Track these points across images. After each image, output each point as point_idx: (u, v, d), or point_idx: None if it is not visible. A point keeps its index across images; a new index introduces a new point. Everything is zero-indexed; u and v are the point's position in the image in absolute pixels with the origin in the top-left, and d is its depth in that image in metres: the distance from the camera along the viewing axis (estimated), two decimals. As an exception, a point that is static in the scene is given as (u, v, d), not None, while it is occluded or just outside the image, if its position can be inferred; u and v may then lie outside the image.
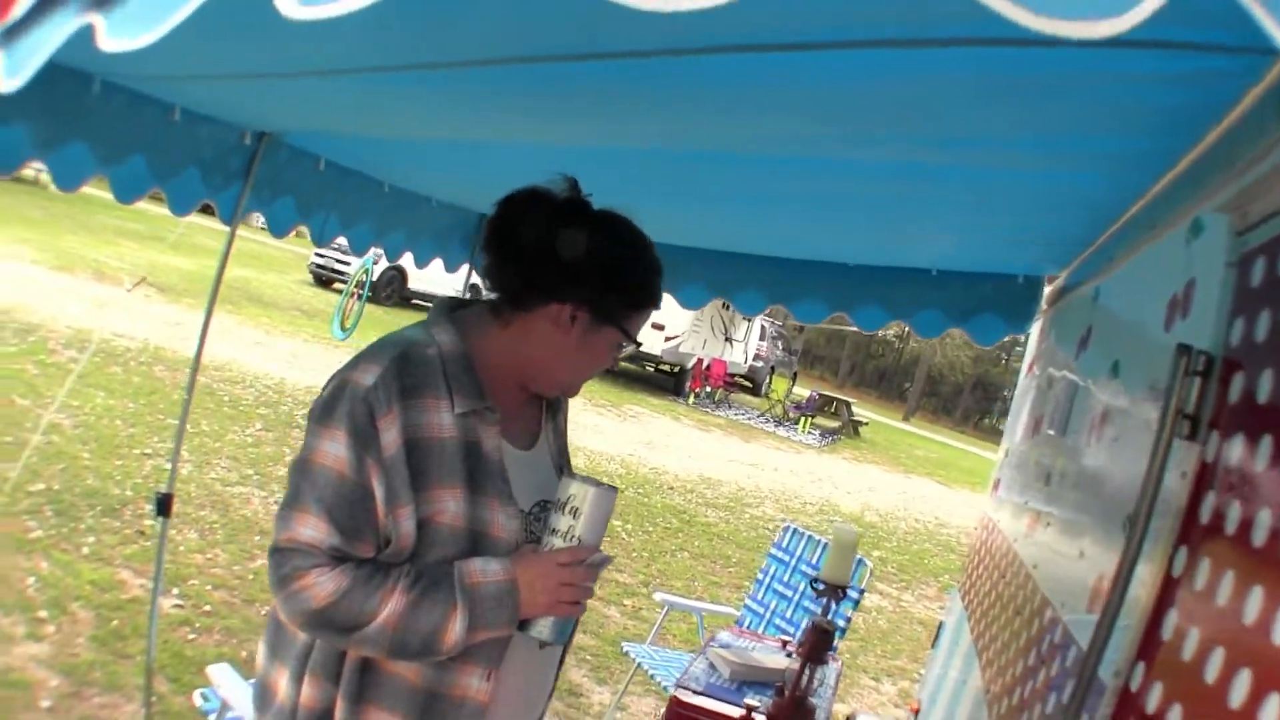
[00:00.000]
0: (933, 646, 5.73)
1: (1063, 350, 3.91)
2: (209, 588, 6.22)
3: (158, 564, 4.55)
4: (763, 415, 26.83)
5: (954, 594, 5.35)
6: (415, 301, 25.35)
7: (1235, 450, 1.60)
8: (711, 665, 3.83)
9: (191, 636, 5.45)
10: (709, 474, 15.70)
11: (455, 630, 1.92)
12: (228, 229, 3.82)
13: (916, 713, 4.05)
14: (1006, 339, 5.02)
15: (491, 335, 2.10)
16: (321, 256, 24.58)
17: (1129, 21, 0.75)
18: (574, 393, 2.27)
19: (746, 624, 6.01)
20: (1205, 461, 1.75)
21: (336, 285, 24.38)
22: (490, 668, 2.03)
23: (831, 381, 50.39)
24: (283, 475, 9.07)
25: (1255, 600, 1.36)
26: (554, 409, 2.31)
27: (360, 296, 16.85)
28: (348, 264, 23.69)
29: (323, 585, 1.88)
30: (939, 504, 19.07)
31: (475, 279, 5.85)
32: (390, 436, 1.91)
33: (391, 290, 24.51)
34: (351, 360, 2.01)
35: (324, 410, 1.94)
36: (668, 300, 5.36)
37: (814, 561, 6.33)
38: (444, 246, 5.32)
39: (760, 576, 6.61)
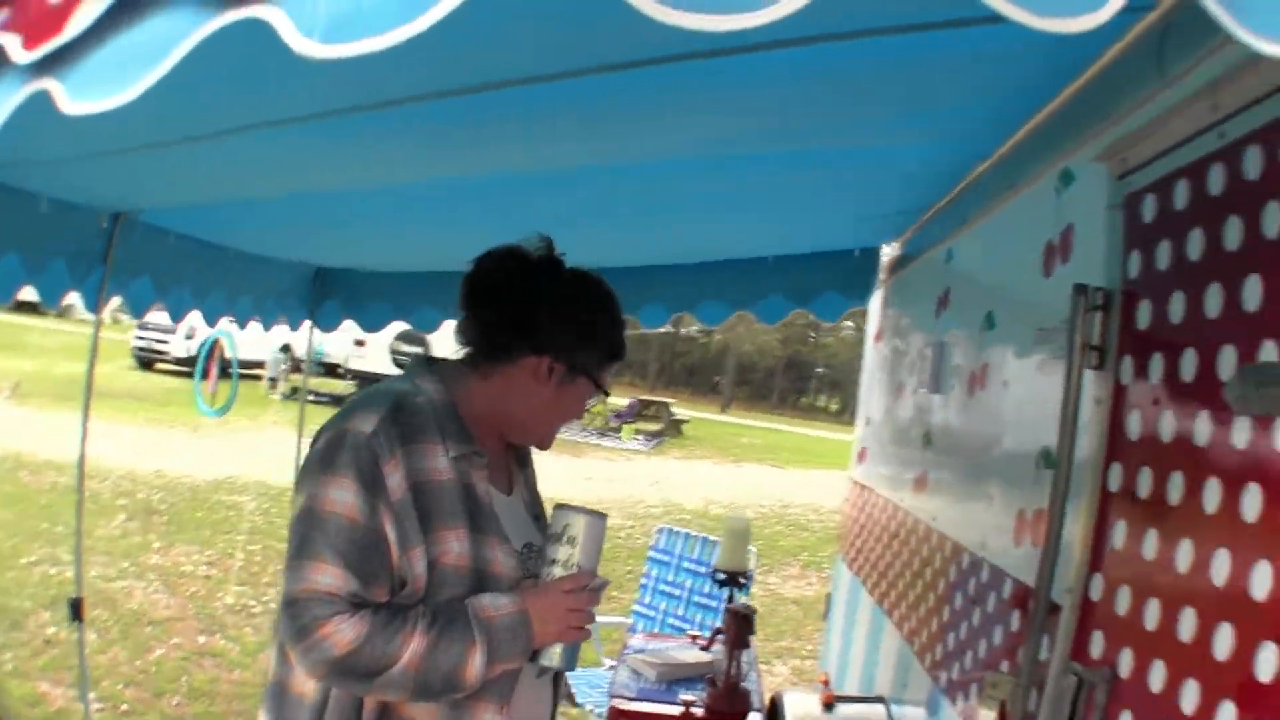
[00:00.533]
0: (825, 619, 5.98)
1: (916, 315, 4.19)
2: (120, 686, 6.03)
3: (82, 672, 4.47)
4: (585, 429, 27.06)
5: (839, 564, 5.60)
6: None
7: (1155, 367, 1.83)
8: (635, 672, 3.94)
9: None
10: (548, 494, 15.76)
11: (476, 665, 1.96)
12: (57, 321, 3.78)
13: (827, 683, 4.26)
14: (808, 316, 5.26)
15: (472, 387, 2.18)
16: (142, 339, 23.73)
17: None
18: (548, 444, 2.36)
19: (640, 629, 6.15)
20: (1120, 384, 1.98)
21: (158, 365, 23.67)
22: (503, 702, 2.11)
23: (642, 385, 50.96)
24: (155, 563, 8.96)
25: (1209, 492, 1.58)
26: (522, 460, 2.41)
27: (226, 372, 16.52)
28: (166, 341, 23.22)
29: (344, 633, 1.89)
30: (777, 487, 19.57)
31: (313, 336, 5.87)
32: (396, 481, 1.95)
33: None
34: (342, 412, 2.08)
35: (325, 460, 1.97)
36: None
37: (694, 556, 6.53)
38: (286, 305, 5.33)
39: (644, 581, 6.75)
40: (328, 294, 5.45)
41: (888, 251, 4.94)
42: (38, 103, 1.18)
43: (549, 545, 2.14)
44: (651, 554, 6.77)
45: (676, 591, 6.41)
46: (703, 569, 6.38)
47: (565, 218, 3.95)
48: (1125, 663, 1.81)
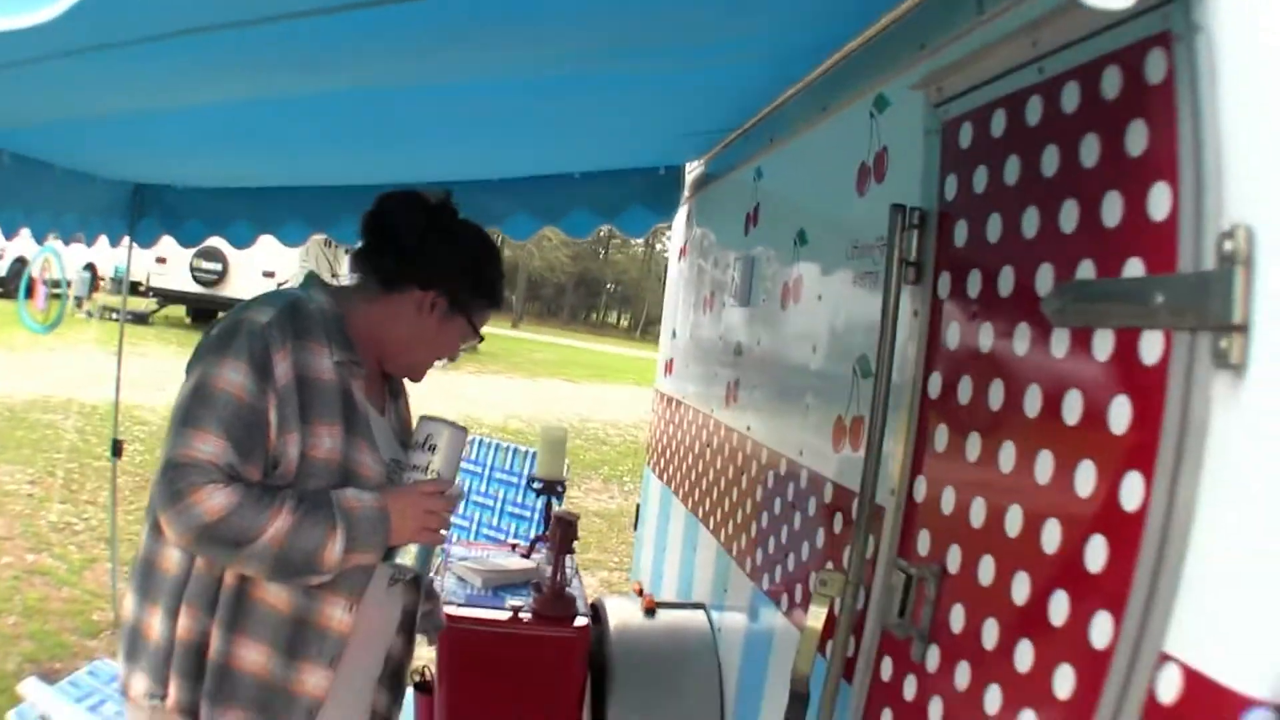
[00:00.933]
0: (634, 529, 6.12)
1: (723, 231, 4.30)
2: None
3: None
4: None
5: (647, 475, 5.74)
6: None
7: (973, 283, 1.96)
8: (460, 579, 3.98)
9: None
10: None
11: (335, 549, 2.07)
12: None
13: (641, 592, 4.40)
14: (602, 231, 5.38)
15: (360, 309, 2.32)
16: None
17: None
18: (419, 376, 2.50)
19: (455, 539, 6.18)
20: (938, 298, 2.11)
21: None
22: (353, 599, 2.21)
23: (434, 303, 50.35)
24: None
25: (1029, 399, 1.72)
26: (395, 391, 2.53)
27: (53, 291, 15.75)
28: None
29: (216, 500, 1.98)
30: (574, 402, 19.81)
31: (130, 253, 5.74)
32: (283, 370, 2.09)
33: (17, 283, 22.65)
34: (242, 305, 2.19)
35: (220, 342, 2.09)
36: (269, 243, 5.38)
37: (505, 467, 6.57)
38: (108, 223, 5.26)
39: None
40: (145, 211, 5.36)
41: (692, 168, 5.02)
42: None
43: (411, 453, 2.27)
44: (463, 466, 6.81)
45: (489, 501, 6.46)
46: (514, 478, 6.45)
47: (379, 137, 3.92)
48: (954, 559, 1.96)
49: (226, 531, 2.00)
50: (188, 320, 23.24)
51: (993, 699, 1.76)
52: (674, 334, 5.33)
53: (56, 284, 18.11)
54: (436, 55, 2.78)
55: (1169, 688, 1.30)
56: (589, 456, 14.29)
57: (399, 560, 2.22)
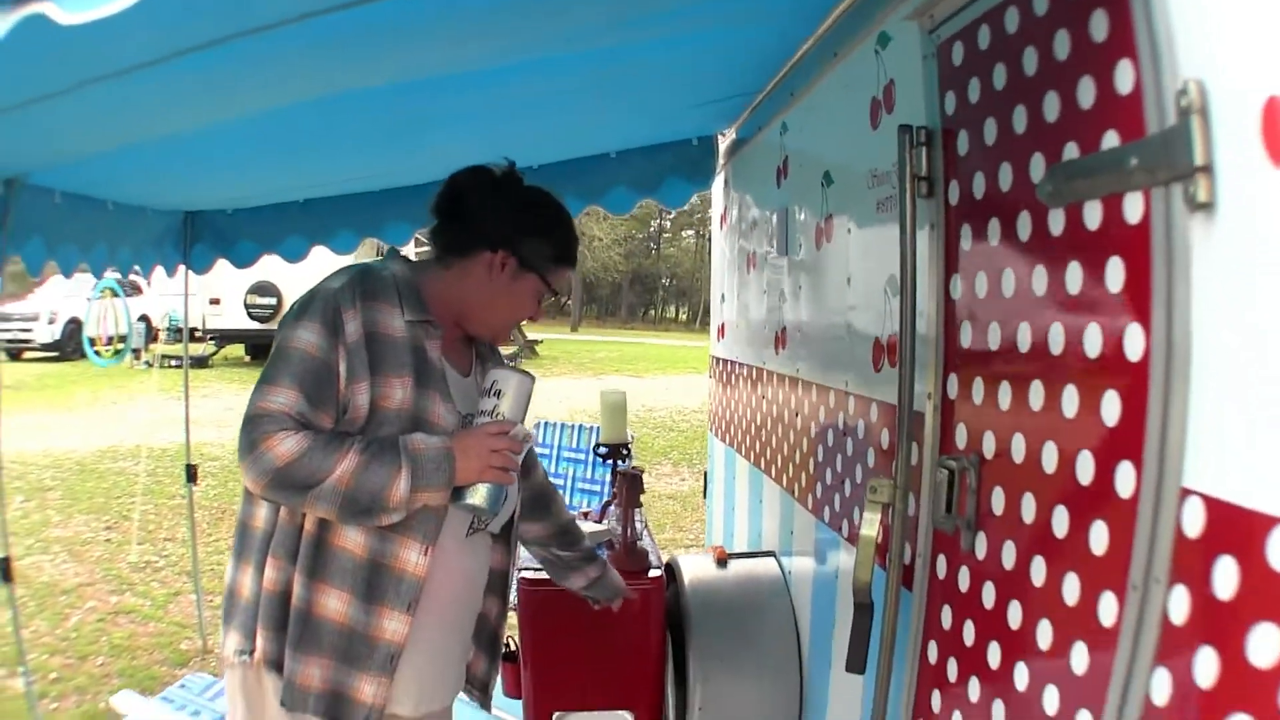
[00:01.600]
0: (705, 497, 6.25)
1: (758, 189, 4.41)
2: (45, 656, 6.04)
3: (16, 630, 4.51)
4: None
5: (711, 441, 5.87)
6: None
7: (978, 184, 2.07)
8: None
9: (54, 706, 5.36)
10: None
11: (400, 488, 2.17)
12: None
13: (723, 557, 4.45)
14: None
15: (434, 275, 2.44)
16: (6, 330, 23.02)
17: None
18: (502, 338, 2.65)
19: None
20: (950, 206, 2.23)
21: (25, 355, 23.09)
22: (427, 543, 2.33)
23: (493, 315, 50.63)
24: (57, 536, 8.86)
25: (1036, 279, 1.83)
26: (483, 356, 2.64)
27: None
28: (30, 329, 22.98)
29: (287, 445, 2.12)
30: (641, 395, 19.88)
31: (190, 283, 5.91)
32: (353, 328, 2.22)
33: (74, 344, 23.28)
34: (323, 280, 2.32)
35: (300, 311, 2.25)
36: (320, 271, 5.44)
37: (572, 445, 6.67)
38: (162, 252, 5.41)
39: None
40: (198, 237, 5.50)
41: (724, 137, 5.14)
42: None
43: (480, 400, 2.38)
44: (532, 448, 6.89)
45: (559, 481, 6.56)
46: (581, 455, 6.55)
47: (417, 134, 4.07)
48: (989, 445, 2.08)
49: (297, 473, 2.12)
50: (247, 359, 23.52)
51: (1038, 571, 1.87)
52: (722, 298, 5.45)
53: (121, 338, 18.79)
54: (467, 42, 2.92)
55: (1194, 521, 1.40)
56: (658, 443, 14.42)
57: (469, 500, 2.31)
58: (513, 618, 3.66)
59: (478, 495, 2.30)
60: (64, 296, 23.04)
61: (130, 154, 3.52)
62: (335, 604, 2.27)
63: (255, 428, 2.15)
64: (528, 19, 2.74)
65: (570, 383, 22.35)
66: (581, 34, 3.05)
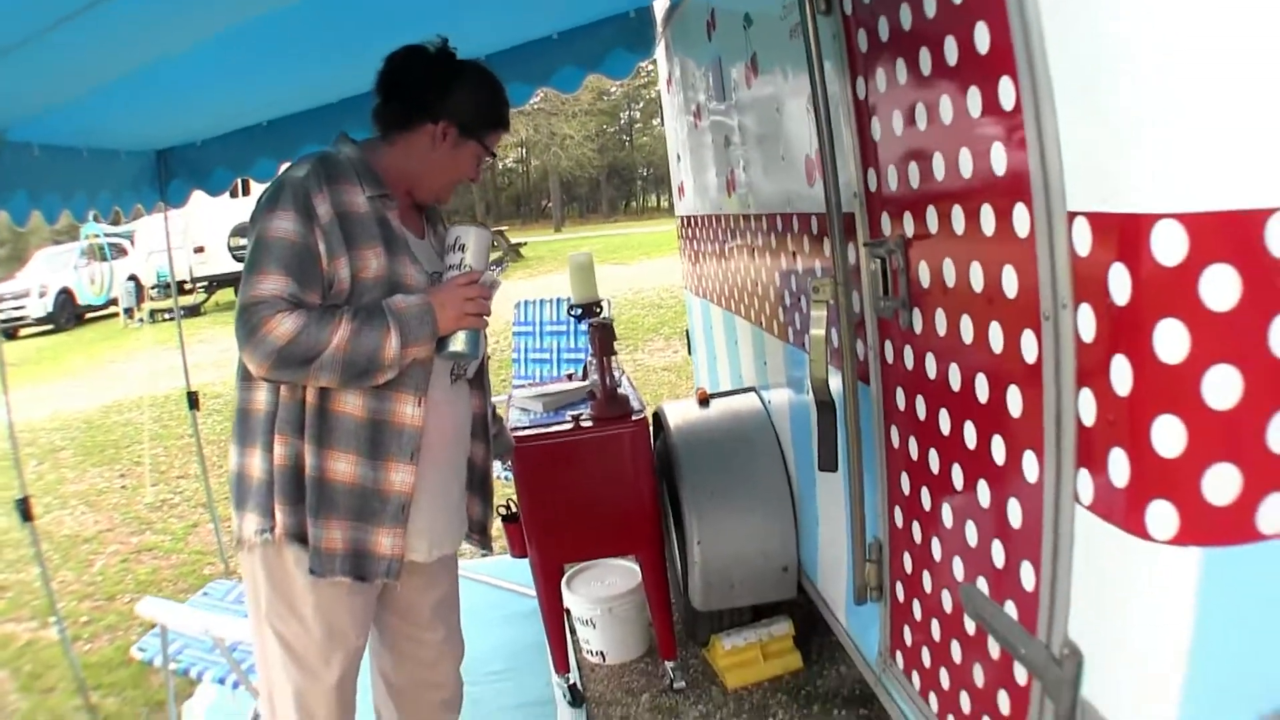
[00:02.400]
0: (689, 352, 6.38)
1: (695, 47, 4.47)
2: (75, 603, 6.14)
3: (44, 577, 4.62)
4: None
5: (687, 298, 5.99)
6: (89, 315, 24.29)
7: None
8: (523, 409, 4.19)
9: (87, 648, 5.49)
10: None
11: (392, 345, 2.31)
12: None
13: (705, 397, 4.56)
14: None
15: (382, 152, 2.54)
16: (1, 309, 23.14)
17: None
18: (447, 198, 2.74)
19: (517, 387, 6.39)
20: (845, 16, 2.33)
21: (22, 332, 23.12)
22: (419, 395, 2.42)
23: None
24: (73, 490, 9.01)
25: (908, 63, 1.94)
26: (431, 219, 2.76)
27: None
28: (23, 305, 22.87)
29: (284, 325, 2.23)
30: (628, 279, 19.93)
31: (173, 234, 5.96)
32: (324, 210, 2.33)
33: (67, 314, 23.34)
34: (284, 170, 2.42)
35: (270, 199, 2.34)
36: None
37: (554, 320, 6.79)
38: (140, 192, 5.43)
39: (514, 356, 6.97)
40: (173, 173, 5.51)
41: (660, 6, 5.17)
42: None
43: (445, 256, 2.53)
44: (515, 328, 7.01)
45: (545, 355, 6.65)
46: (563, 327, 6.65)
47: (366, 32, 4.09)
48: (908, 226, 2.20)
49: (297, 349, 2.24)
50: (237, 300, 23.55)
51: (966, 328, 2.02)
52: (678, 158, 5.53)
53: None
54: None
55: (1083, 240, 1.54)
56: (648, 321, 14.55)
57: (452, 349, 2.45)
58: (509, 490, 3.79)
59: (458, 342, 2.44)
60: (50, 270, 23.02)
61: (99, 97, 3.57)
62: (345, 466, 2.39)
63: (252, 314, 2.25)
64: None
65: (560, 279, 22.35)
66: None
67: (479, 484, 2.85)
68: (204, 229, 20.15)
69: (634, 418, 3.85)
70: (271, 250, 2.29)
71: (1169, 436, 1.42)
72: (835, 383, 2.74)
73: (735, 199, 4.04)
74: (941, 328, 2.13)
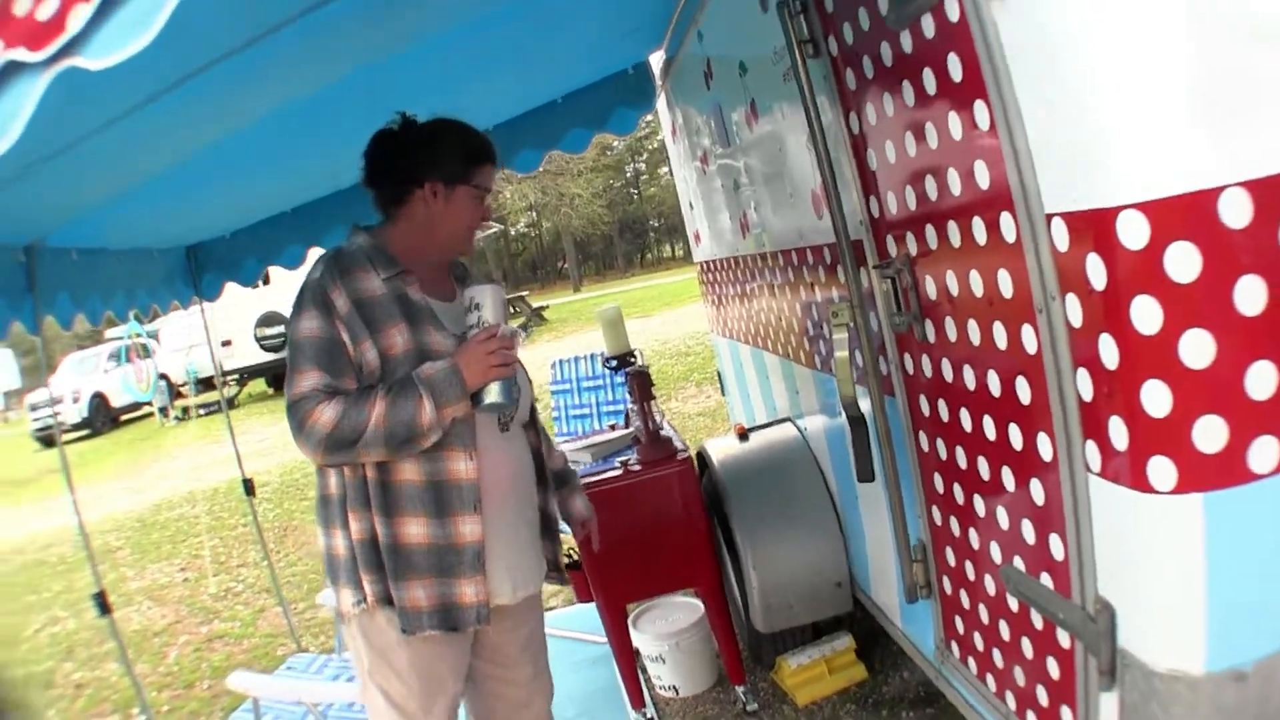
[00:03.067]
0: (723, 394, 6.58)
1: (695, 97, 4.71)
2: (154, 694, 6.38)
3: (125, 660, 4.77)
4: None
5: (715, 342, 6.20)
6: (125, 418, 24.69)
7: (848, 32, 2.39)
8: (574, 462, 4.38)
9: None
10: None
11: (426, 410, 2.46)
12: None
13: (744, 432, 4.75)
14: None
15: (390, 232, 2.71)
16: (37, 418, 23.40)
17: None
18: (468, 249, 2.89)
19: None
20: (833, 57, 2.55)
21: (61, 438, 23.35)
22: (469, 449, 2.58)
23: (495, 295, 50.81)
24: (136, 587, 9.20)
25: (908, 92, 2.15)
26: (460, 280, 2.92)
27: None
28: (59, 412, 22.87)
29: (326, 413, 2.42)
30: (653, 330, 20.12)
31: (201, 330, 6.13)
32: (341, 302, 2.50)
33: (102, 417, 23.81)
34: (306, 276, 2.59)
35: (296, 305, 2.54)
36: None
37: (590, 375, 6.96)
38: (174, 289, 5.61)
39: (554, 414, 7.11)
40: (203, 268, 5.70)
41: (656, 60, 5.43)
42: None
43: (466, 317, 2.67)
44: (552, 387, 7.19)
45: (585, 410, 6.82)
46: (599, 380, 6.84)
47: (382, 111, 4.34)
48: (912, 246, 2.41)
49: (342, 433, 2.43)
50: (270, 391, 23.83)
51: (973, 330, 2.22)
52: (690, 206, 5.77)
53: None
54: (423, 14, 3.20)
55: (1061, 237, 1.76)
56: (677, 370, 14.76)
57: (487, 401, 2.59)
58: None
59: (492, 394, 2.59)
60: (80, 375, 23.40)
61: (131, 200, 3.80)
62: (416, 529, 2.55)
63: (297, 411, 2.46)
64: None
65: (586, 338, 22.61)
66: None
67: (544, 523, 2.99)
68: (229, 321, 20.49)
69: (679, 457, 4.05)
70: (303, 350, 2.49)
71: (1157, 399, 1.62)
72: (864, 399, 2.93)
73: (751, 239, 4.26)
74: (952, 334, 2.33)
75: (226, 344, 21.66)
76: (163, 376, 22.76)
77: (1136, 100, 1.56)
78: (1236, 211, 1.57)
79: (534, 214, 52.14)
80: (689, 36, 4.36)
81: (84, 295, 4.54)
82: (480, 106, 4.99)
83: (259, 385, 24.20)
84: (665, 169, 57.69)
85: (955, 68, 1.93)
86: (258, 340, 22.03)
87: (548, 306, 30.69)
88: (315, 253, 5.67)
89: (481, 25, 3.60)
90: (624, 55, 5.30)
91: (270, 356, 22.03)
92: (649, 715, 4.19)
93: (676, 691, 4.50)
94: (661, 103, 5.64)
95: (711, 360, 14.52)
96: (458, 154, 2.73)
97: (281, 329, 21.33)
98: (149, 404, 23.23)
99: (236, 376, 23.02)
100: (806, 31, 2.62)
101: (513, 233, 53.30)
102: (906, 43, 2.11)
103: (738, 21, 3.49)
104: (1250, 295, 1.59)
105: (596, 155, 45.97)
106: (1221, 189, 1.57)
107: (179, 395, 22.62)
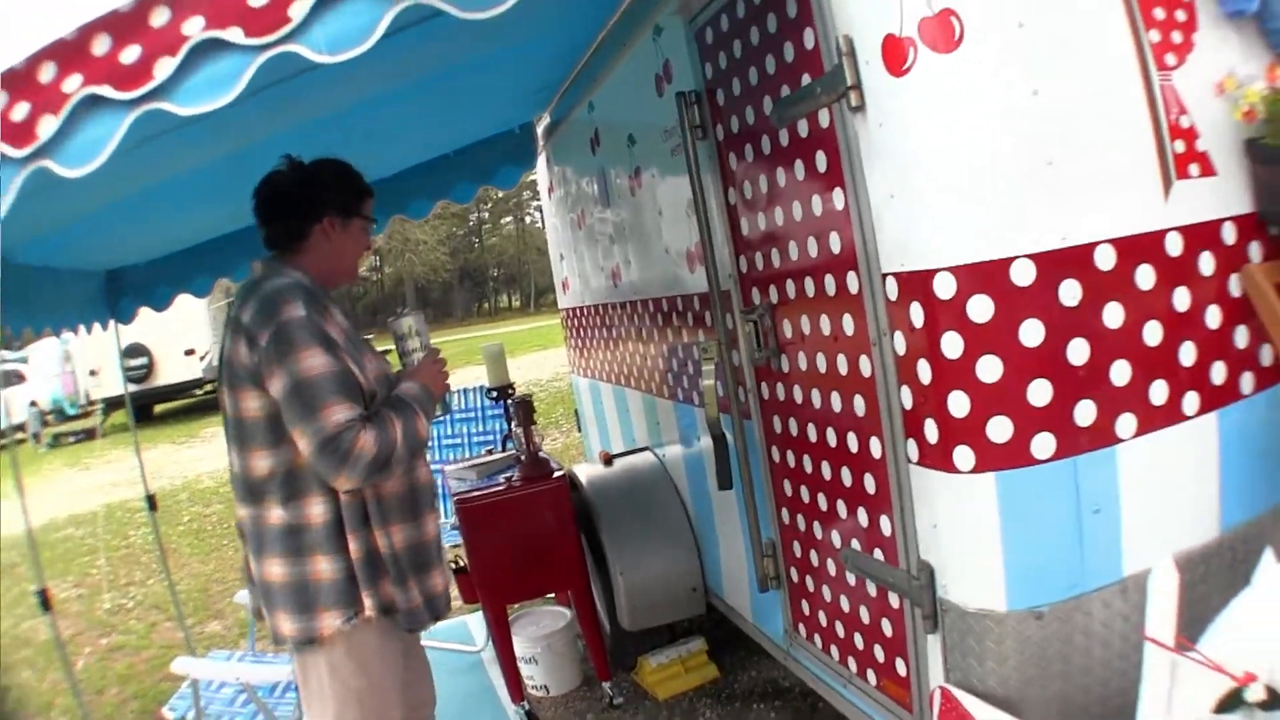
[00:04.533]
0: (580, 430, 7.07)
1: (578, 159, 5.26)
2: (71, 698, 6.29)
3: (64, 658, 4.90)
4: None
5: (575, 380, 6.70)
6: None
7: (734, 123, 2.99)
8: (460, 479, 4.75)
9: None
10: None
11: (424, 423, 2.75)
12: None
13: (608, 458, 5.23)
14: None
15: (302, 264, 2.85)
16: None
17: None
18: (357, 277, 3.17)
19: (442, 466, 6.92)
20: (719, 142, 3.14)
21: None
22: (424, 454, 2.91)
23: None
24: (34, 602, 9.02)
25: (778, 177, 2.75)
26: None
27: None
28: None
29: (368, 439, 2.55)
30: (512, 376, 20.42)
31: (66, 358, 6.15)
32: (335, 332, 2.66)
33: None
34: (267, 310, 2.62)
35: (287, 345, 2.58)
36: (184, 322, 5.62)
37: (463, 407, 7.16)
38: (95, 310, 5.67)
39: (429, 443, 7.27)
40: (121, 292, 5.82)
41: (540, 121, 5.97)
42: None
43: (403, 343, 3.04)
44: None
45: (457, 440, 7.11)
46: (470, 412, 7.15)
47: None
48: (773, 295, 3.00)
49: (382, 454, 2.57)
50: (132, 423, 23.13)
51: (820, 361, 2.82)
52: (561, 257, 6.29)
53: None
54: (344, 90, 3.63)
55: (891, 290, 2.35)
56: (542, 413, 15.14)
57: (439, 412, 3.01)
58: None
59: (441, 405, 3.05)
60: None
61: (59, 229, 4.06)
62: (401, 534, 2.76)
63: (340, 442, 2.53)
64: (383, 67, 3.46)
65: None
66: (424, 66, 3.82)
67: None
68: (97, 351, 20.01)
69: (556, 475, 4.54)
70: (322, 385, 2.55)
71: (959, 404, 2.22)
72: (725, 420, 3.49)
73: (621, 289, 4.81)
74: (803, 364, 2.92)
75: (94, 373, 21.09)
76: (33, 403, 22.02)
77: (952, 194, 2.18)
78: (1023, 274, 2.18)
79: (378, 259, 51.80)
80: (580, 105, 4.89)
81: (15, 312, 4.59)
82: (377, 159, 5.40)
83: (121, 417, 23.56)
84: (507, 219, 58.13)
85: (821, 160, 2.54)
86: (124, 371, 21.49)
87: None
88: (178, 318, 5.79)
89: (393, 95, 4.04)
90: (513, 116, 5.81)
91: (135, 387, 21.51)
92: (527, 708, 4.59)
93: (548, 690, 4.92)
94: (542, 161, 6.16)
95: (555, 406, 15.02)
96: (349, 189, 2.94)
97: (145, 360, 20.90)
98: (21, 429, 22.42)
99: (102, 406, 22.42)
100: (698, 119, 3.21)
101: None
102: (784, 137, 2.71)
103: (632, 100, 4.04)
104: (1032, 333, 2.19)
105: (444, 204, 45.88)
106: (1013, 259, 2.17)
107: (46, 423, 21.91)
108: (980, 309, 2.18)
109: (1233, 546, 2.43)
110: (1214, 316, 2.44)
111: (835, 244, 2.57)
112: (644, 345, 4.60)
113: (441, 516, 3.23)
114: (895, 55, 2.20)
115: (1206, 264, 2.42)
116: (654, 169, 3.93)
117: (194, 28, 2.02)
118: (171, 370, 20.36)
